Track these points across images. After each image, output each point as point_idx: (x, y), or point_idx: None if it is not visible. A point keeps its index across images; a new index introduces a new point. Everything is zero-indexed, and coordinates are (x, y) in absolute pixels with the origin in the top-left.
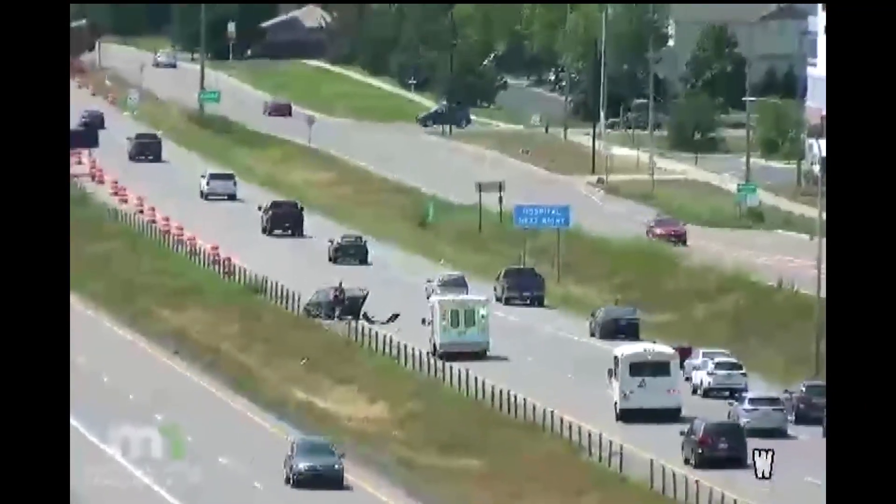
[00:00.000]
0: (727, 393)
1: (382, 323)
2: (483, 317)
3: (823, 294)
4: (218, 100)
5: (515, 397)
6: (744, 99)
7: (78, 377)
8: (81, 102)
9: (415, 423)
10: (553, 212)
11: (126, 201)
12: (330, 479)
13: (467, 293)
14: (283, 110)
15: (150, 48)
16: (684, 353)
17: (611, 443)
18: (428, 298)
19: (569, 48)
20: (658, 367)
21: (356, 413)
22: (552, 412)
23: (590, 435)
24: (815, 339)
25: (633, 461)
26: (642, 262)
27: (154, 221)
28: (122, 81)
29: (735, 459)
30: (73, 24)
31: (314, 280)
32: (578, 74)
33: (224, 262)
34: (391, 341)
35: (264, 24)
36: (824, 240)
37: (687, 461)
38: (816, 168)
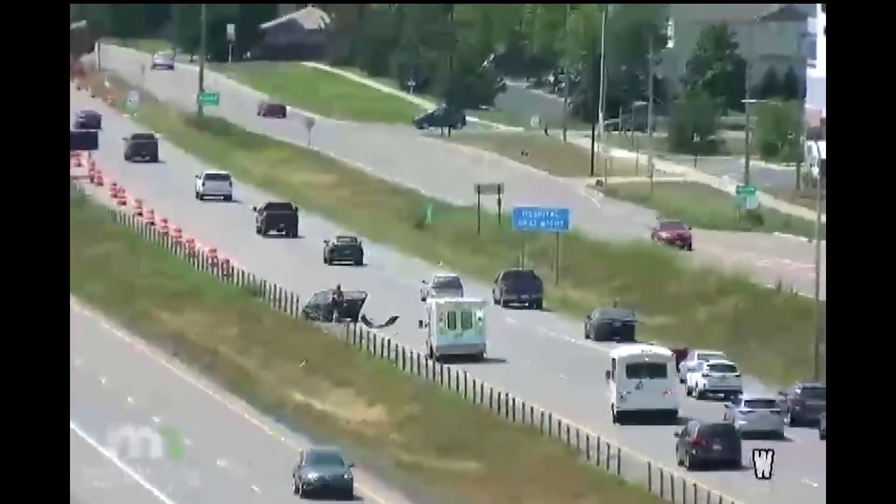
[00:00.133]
0: (722, 395)
1: (381, 326)
2: (480, 319)
3: (823, 297)
4: (217, 102)
5: (514, 400)
6: (743, 101)
7: (76, 379)
8: (81, 104)
9: (413, 426)
10: (552, 215)
11: (125, 203)
12: (339, 490)
13: (462, 295)
14: (276, 111)
15: (150, 50)
16: (680, 355)
17: (609, 445)
18: (423, 300)
19: (569, 49)
20: (655, 369)
21: (354, 416)
22: (550, 415)
23: (588, 438)
24: (814, 342)
25: (630, 463)
26: (641, 264)
27: (153, 223)
28: (122, 83)
29: (729, 461)
30: (73, 25)
31: (310, 281)
32: (578, 76)
33: (223, 263)
34: (389, 344)
35: (264, 26)
36: (824, 242)
37: (681, 463)
38: (816, 170)
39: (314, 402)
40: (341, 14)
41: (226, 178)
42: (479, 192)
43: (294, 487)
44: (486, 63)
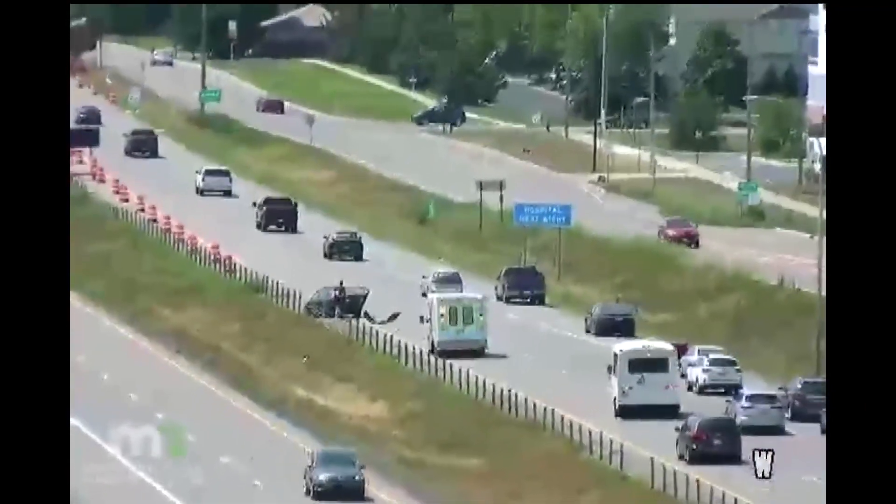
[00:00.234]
0: (722, 390)
1: (383, 322)
2: (481, 314)
3: (824, 292)
4: (219, 98)
5: (516, 395)
6: (744, 98)
7: (78, 376)
8: (82, 101)
9: (415, 422)
10: (554, 210)
11: (127, 200)
12: (351, 490)
13: (462, 290)
14: (275, 107)
15: (151, 47)
16: (680, 350)
17: (611, 441)
18: (423, 295)
19: (569, 49)
20: (656, 364)
21: (356, 411)
22: (552, 410)
23: (590, 433)
24: (816, 338)
25: (632, 459)
26: (643, 261)
27: (155, 220)
28: (123, 80)
29: (729, 456)
30: (74, 23)
31: (310, 276)
32: (579, 73)
33: (225, 260)
34: (391, 340)
35: (265, 24)
36: (825, 238)
37: (681, 457)
38: (817, 166)
39: (316, 398)
40: (342, 13)
41: (225, 173)
42: (480, 189)
43: (305, 489)
44: (487, 60)
